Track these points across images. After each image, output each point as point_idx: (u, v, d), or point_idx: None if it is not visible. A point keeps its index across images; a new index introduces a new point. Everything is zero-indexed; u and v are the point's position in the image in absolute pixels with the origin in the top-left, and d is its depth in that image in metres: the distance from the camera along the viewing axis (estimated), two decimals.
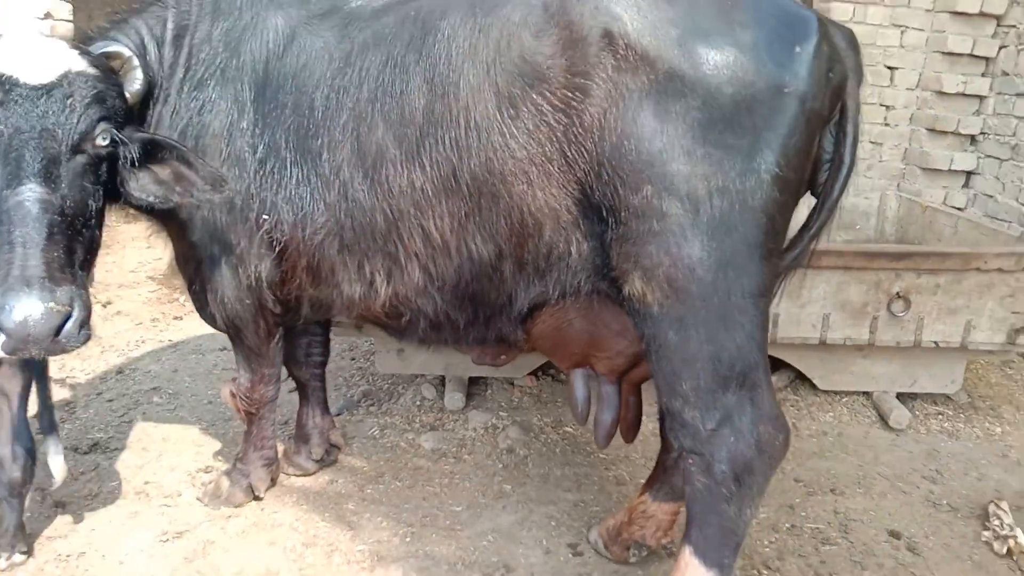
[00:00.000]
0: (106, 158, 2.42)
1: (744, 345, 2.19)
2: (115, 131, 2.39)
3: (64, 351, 2.23)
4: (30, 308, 2.11)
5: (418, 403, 4.10)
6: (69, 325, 2.17)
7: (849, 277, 3.84)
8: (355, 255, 2.61)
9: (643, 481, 2.99)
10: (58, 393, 4.07)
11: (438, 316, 2.65)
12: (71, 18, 4.90)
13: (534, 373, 4.27)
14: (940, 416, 4.21)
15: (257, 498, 3.22)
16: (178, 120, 2.72)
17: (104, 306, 5.39)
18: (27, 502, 2.88)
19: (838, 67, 2.19)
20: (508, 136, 2.28)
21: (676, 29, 2.11)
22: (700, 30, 2.11)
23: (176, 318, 5.30)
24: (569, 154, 2.24)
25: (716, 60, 2.09)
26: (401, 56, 2.46)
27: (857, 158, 2.27)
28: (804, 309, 3.91)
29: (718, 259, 2.12)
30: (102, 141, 2.37)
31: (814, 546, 3.09)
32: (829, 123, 2.26)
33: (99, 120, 2.36)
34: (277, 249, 2.68)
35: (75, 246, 2.31)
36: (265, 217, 2.64)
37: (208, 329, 3.18)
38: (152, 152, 2.48)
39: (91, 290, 2.40)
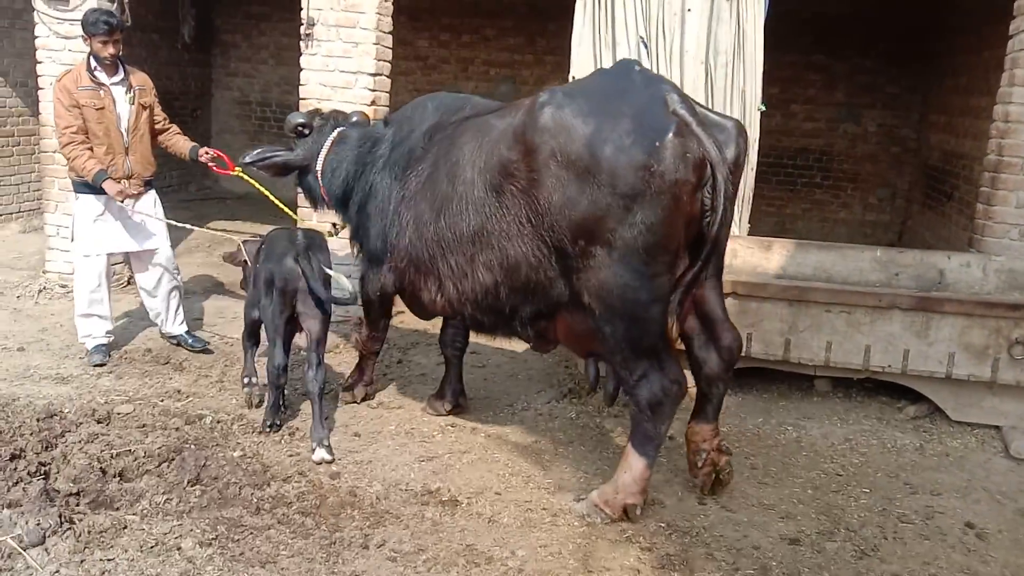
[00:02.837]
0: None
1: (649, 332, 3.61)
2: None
3: None
4: None
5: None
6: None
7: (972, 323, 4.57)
8: (421, 275, 4.34)
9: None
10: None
11: (474, 318, 4.27)
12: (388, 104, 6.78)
13: None
14: None
15: (356, 403, 5.10)
16: (371, 182, 4.64)
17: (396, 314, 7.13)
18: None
19: (693, 148, 3.43)
20: (493, 208, 3.84)
21: (588, 140, 3.49)
22: (601, 139, 3.47)
23: None
24: (533, 219, 3.69)
25: (609, 156, 3.44)
26: (439, 159, 4.21)
27: (730, 207, 3.59)
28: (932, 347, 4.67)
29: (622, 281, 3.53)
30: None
31: (894, 523, 3.92)
32: (702, 185, 3.51)
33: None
34: (393, 265, 4.51)
35: None
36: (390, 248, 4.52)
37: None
38: None
39: None
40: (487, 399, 5.39)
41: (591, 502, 3.91)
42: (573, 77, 5.98)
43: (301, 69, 6.62)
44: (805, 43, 10.16)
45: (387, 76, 6.72)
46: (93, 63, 5.43)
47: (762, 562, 3.57)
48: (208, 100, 12.57)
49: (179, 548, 3.46)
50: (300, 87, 6.66)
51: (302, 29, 6.55)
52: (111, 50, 5.35)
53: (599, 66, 6.01)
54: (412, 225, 4.29)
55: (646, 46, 5.96)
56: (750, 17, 5.79)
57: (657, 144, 3.39)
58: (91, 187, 5.46)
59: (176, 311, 5.98)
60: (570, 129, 3.53)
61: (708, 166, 3.47)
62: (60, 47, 7.02)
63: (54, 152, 7.22)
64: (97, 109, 5.39)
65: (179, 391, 5.24)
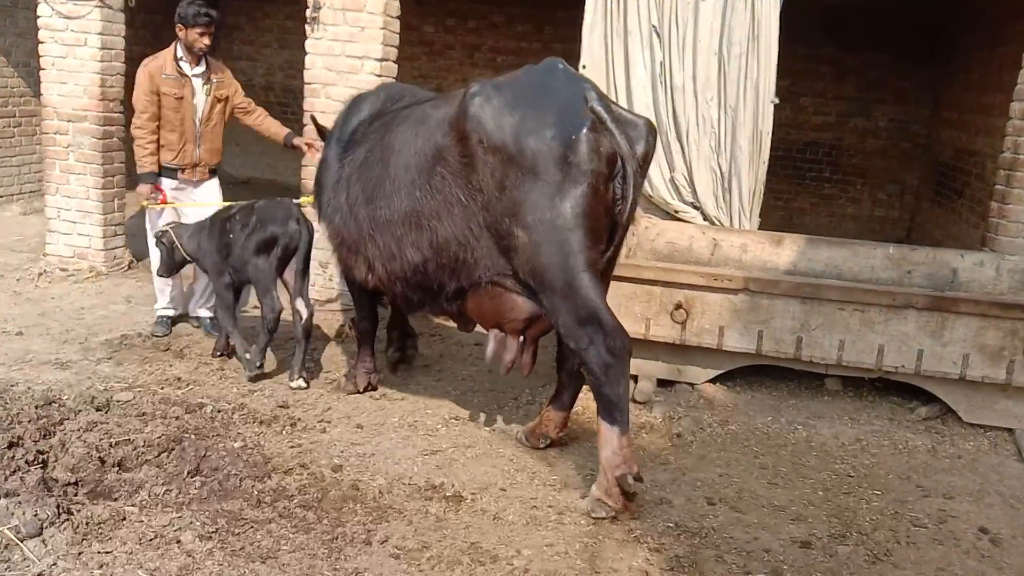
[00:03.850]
0: None
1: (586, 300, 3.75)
2: None
3: None
4: None
5: None
6: None
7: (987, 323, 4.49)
8: (352, 254, 4.57)
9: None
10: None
11: (404, 295, 4.49)
12: None
13: (712, 380, 5.26)
14: None
15: (358, 392, 5.08)
16: (323, 156, 4.99)
17: None
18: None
19: (606, 143, 3.73)
20: (424, 190, 4.06)
21: (513, 130, 3.76)
22: (525, 130, 3.74)
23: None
24: (464, 200, 3.93)
25: (531, 146, 3.73)
26: (375, 145, 4.45)
27: (637, 196, 3.89)
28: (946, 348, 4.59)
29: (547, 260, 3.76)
30: None
31: (906, 527, 3.85)
32: (614, 176, 3.78)
33: None
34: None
35: None
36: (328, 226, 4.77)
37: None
38: None
39: None
40: (492, 392, 5.32)
41: (593, 497, 3.86)
42: (584, 67, 5.89)
43: (306, 53, 6.52)
44: (817, 35, 10.03)
45: (393, 61, 6.61)
46: (180, 52, 5.64)
47: (773, 565, 3.49)
48: None
49: (179, 541, 3.38)
50: (305, 71, 6.55)
51: (307, 12, 6.44)
52: (206, 41, 5.61)
53: (611, 56, 5.93)
54: (345, 206, 4.52)
55: (659, 35, 5.87)
56: (765, 8, 5.69)
57: (573, 138, 3.70)
58: (165, 169, 5.75)
59: (203, 294, 6.13)
60: (496, 119, 3.81)
61: (619, 159, 3.78)
62: (63, 27, 6.91)
63: (55, 133, 7.14)
64: (177, 98, 5.63)
65: (179, 379, 5.17)
